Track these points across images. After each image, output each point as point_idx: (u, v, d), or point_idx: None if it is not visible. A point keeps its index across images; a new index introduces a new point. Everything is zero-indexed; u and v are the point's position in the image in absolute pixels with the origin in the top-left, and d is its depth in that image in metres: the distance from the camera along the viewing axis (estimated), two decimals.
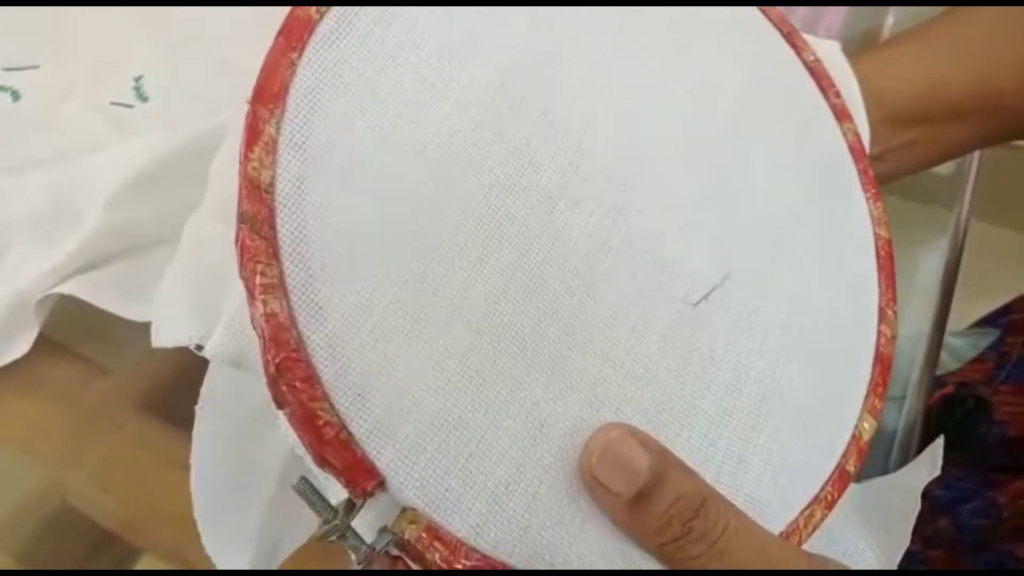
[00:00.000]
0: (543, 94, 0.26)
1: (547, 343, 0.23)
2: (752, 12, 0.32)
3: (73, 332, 0.38)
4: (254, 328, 0.20)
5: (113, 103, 0.48)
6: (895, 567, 0.26)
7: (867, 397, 0.28)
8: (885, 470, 0.32)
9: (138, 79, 0.49)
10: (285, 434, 0.21)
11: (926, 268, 0.43)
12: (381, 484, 0.20)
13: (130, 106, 0.48)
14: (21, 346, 0.37)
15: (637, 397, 0.24)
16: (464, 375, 0.22)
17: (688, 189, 0.27)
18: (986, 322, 0.55)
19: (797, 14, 0.54)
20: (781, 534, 0.25)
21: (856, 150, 0.32)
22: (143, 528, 0.33)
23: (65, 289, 0.36)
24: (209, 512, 0.29)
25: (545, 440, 0.22)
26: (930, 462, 0.28)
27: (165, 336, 0.27)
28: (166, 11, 0.51)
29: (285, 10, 0.26)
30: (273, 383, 0.20)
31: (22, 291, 0.36)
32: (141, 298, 0.36)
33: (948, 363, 0.53)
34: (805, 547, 0.25)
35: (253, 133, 0.21)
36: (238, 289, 0.22)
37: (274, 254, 0.20)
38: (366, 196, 0.22)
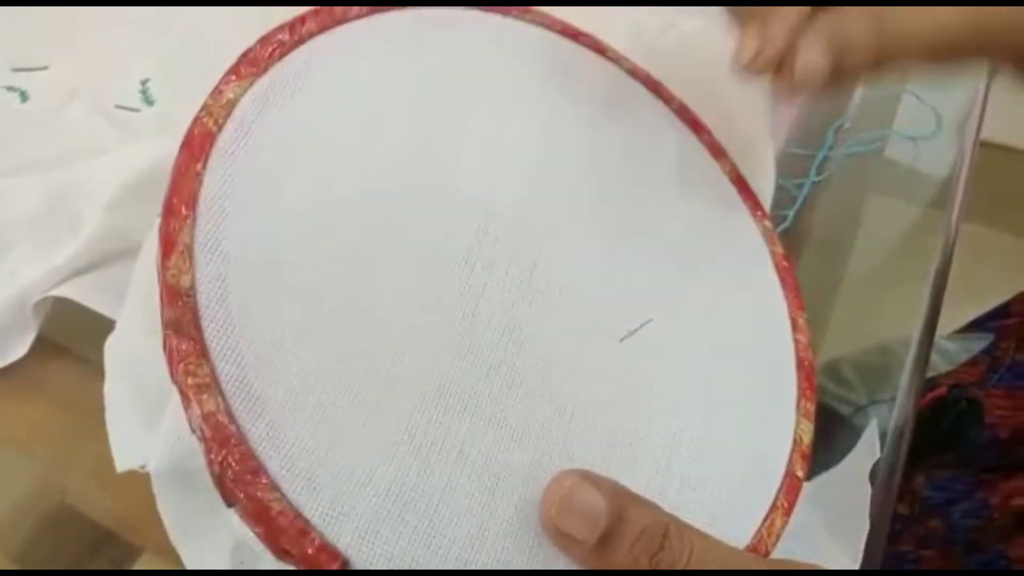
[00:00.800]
0: (445, 163, 0.27)
1: (489, 399, 0.24)
2: (615, 71, 0.34)
3: (72, 333, 0.38)
4: (193, 431, 0.20)
5: (118, 106, 0.48)
6: (860, 554, 0.27)
7: (799, 401, 0.29)
8: (874, 472, 0.32)
9: (145, 82, 0.49)
10: (238, 527, 0.21)
11: (917, 270, 0.44)
12: (345, 564, 0.20)
13: (136, 110, 0.48)
14: (19, 348, 0.37)
15: (586, 437, 0.25)
16: (410, 443, 0.22)
17: (593, 235, 0.29)
18: (979, 326, 0.55)
19: None
20: (748, 547, 0.25)
21: (737, 180, 0.34)
22: (141, 527, 0.33)
23: (62, 292, 0.36)
24: (180, 535, 0.29)
25: (503, 494, 0.23)
26: (869, 447, 0.29)
27: (125, 460, 0.27)
28: (172, 15, 0.52)
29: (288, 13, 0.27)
30: (220, 481, 0.20)
31: (21, 293, 0.37)
32: None
33: (941, 366, 0.54)
34: (773, 553, 0.26)
35: (168, 243, 0.22)
36: (173, 398, 0.22)
37: (203, 354, 0.21)
38: (287, 287, 0.23)
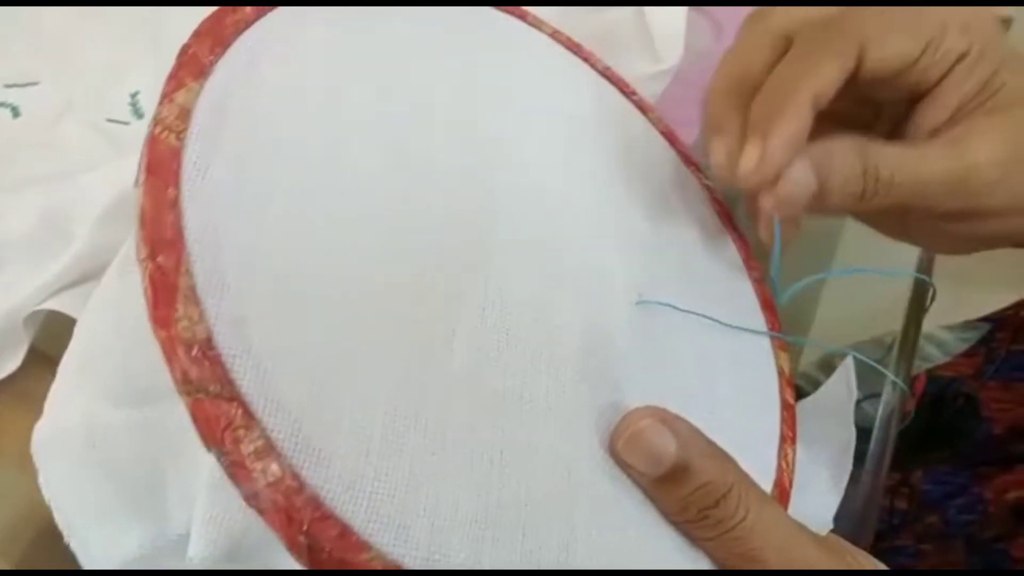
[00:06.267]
0: (423, 144, 0.26)
1: (539, 392, 0.23)
2: (538, 36, 0.34)
3: (64, 346, 0.39)
4: (254, 505, 0.18)
5: (109, 120, 0.48)
6: (843, 484, 0.28)
7: (772, 338, 0.31)
8: (860, 466, 0.32)
9: (134, 95, 0.50)
10: None
11: (902, 263, 0.43)
12: None
13: (126, 123, 0.48)
14: (11, 363, 0.37)
15: (623, 385, 0.25)
16: (482, 457, 0.21)
17: (583, 203, 0.29)
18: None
19: None
20: (775, 481, 0.27)
21: (669, 135, 0.35)
22: None
23: (52, 305, 0.37)
24: None
25: (580, 485, 0.22)
26: (845, 385, 0.30)
27: (102, 557, 0.24)
28: (161, 27, 0.52)
29: None
30: (311, 556, 0.18)
31: (13, 308, 0.37)
32: None
33: (938, 357, 0.53)
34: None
35: (167, 290, 0.18)
36: (202, 470, 0.20)
37: (249, 414, 0.18)
38: (311, 313, 0.20)
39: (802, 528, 0.24)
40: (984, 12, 0.26)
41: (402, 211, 0.24)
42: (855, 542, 0.33)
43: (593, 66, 0.35)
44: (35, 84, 0.50)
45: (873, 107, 0.29)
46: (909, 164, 0.26)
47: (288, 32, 0.25)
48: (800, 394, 0.33)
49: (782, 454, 0.27)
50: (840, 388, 0.30)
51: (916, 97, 0.27)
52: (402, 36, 0.28)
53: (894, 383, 0.35)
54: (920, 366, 0.54)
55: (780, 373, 0.30)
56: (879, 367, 0.27)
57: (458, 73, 0.28)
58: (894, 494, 0.46)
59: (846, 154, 0.26)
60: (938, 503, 0.46)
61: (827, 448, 0.29)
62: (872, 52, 0.26)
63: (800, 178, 0.26)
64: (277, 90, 0.24)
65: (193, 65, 0.23)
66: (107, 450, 0.23)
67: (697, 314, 0.28)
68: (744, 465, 0.24)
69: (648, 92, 0.40)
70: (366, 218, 0.23)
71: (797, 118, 0.25)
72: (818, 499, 0.28)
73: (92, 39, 0.52)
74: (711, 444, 0.23)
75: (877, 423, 0.34)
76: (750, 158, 0.26)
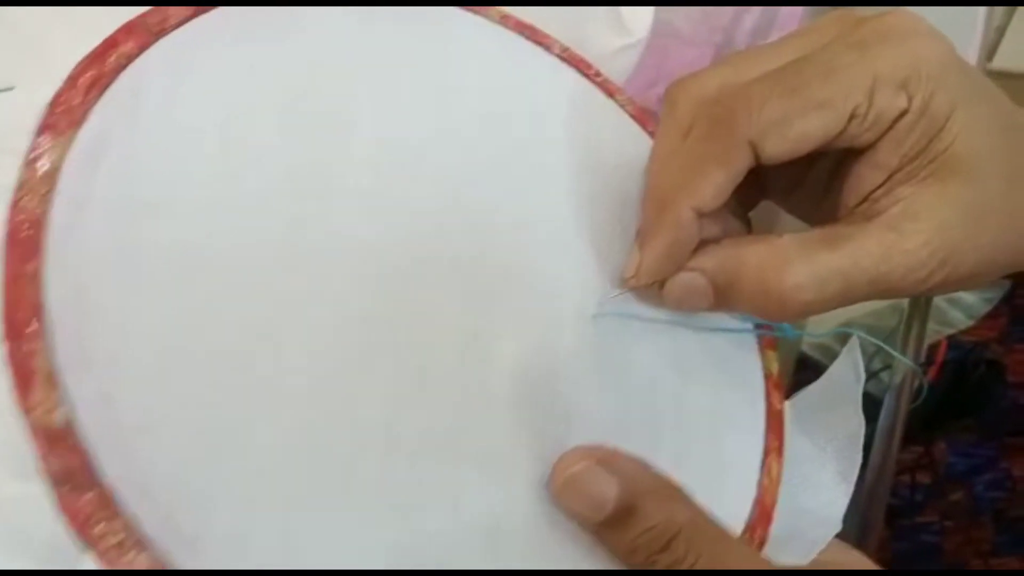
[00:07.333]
0: (339, 179, 0.23)
1: (470, 440, 0.21)
2: (484, 23, 0.31)
3: None
4: None
5: None
6: (853, 479, 0.26)
7: (759, 337, 0.28)
8: (872, 434, 0.30)
9: None
10: None
11: None
12: None
13: None
14: None
15: (573, 416, 0.23)
16: (395, 510, 0.20)
17: (538, 210, 0.26)
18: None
19: (751, 13, 0.51)
20: (756, 500, 0.24)
21: (639, 116, 0.32)
22: None
23: None
24: None
25: (506, 543, 0.21)
26: (852, 368, 0.27)
27: None
28: None
29: None
30: None
31: None
32: None
33: (961, 321, 0.51)
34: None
35: (22, 375, 0.17)
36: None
37: (110, 504, 0.17)
38: (194, 383, 0.19)
39: (769, 567, 0.22)
40: (935, 51, 0.23)
41: (304, 258, 0.21)
42: (865, 527, 0.31)
43: (549, 49, 0.31)
44: (10, 89, 0.49)
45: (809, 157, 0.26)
46: (829, 282, 0.22)
47: (177, 64, 0.23)
48: (818, 368, 0.31)
49: (765, 468, 0.25)
50: (847, 372, 0.27)
51: (854, 151, 0.24)
52: (316, 45, 0.25)
53: (902, 359, 0.32)
54: (943, 331, 0.51)
55: (767, 376, 0.27)
56: (885, 346, 0.25)
57: (388, 79, 0.26)
58: (916, 468, 0.43)
59: (754, 272, 0.23)
60: (963, 478, 0.43)
61: (834, 440, 0.27)
62: (771, 145, 0.23)
63: (682, 293, 0.24)
64: (163, 133, 0.21)
65: (64, 115, 0.21)
66: (15, 524, 0.22)
67: (664, 321, 0.25)
68: (719, 486, 0.22)
69: (616, 67, 0.37)
70: (262, 270, 0.21)
71: (674, 230, 0.24)
72: (825, 497, 0.26)
73: (67, 42, 0.51)
74: (659, 481, 0.21)
75: (886, 398, 0.32)
76: (630, 268, 0.25)
